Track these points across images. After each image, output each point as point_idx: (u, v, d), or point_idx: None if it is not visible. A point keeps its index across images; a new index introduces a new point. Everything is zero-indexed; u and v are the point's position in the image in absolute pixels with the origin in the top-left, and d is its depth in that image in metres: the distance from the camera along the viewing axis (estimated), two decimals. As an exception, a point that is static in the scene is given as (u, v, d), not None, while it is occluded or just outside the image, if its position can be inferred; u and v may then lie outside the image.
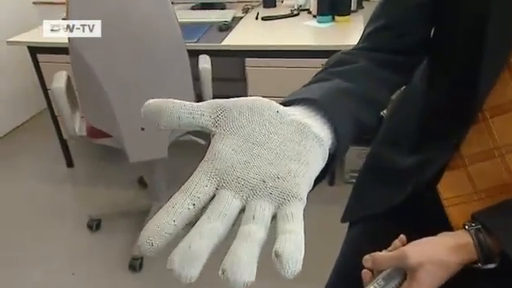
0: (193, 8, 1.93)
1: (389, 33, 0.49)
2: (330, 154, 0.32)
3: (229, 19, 1.72)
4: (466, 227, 0.46)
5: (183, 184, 0.27)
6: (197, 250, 0.23)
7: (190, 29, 1.61)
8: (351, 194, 0.64)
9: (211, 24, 1.69)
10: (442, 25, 0.50)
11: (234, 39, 1.55)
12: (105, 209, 1.70)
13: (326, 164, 0.31)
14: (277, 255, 0.23)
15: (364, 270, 0.49)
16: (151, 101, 0.29)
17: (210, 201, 0.27)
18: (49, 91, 1.78)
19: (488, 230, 0.45)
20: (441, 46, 0.51)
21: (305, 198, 0.28)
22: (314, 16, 1.68)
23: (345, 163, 1.69)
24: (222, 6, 1.90)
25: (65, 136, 1.90)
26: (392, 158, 0.58)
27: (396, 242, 0.49)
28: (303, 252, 0.24)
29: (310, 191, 0.29)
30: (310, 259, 0.27)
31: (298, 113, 0.32)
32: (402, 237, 0.49)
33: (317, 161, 0.29)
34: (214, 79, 1.38)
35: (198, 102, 0.31)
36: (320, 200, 1.41)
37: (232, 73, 1.97)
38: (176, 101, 0.30)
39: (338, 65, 0.45)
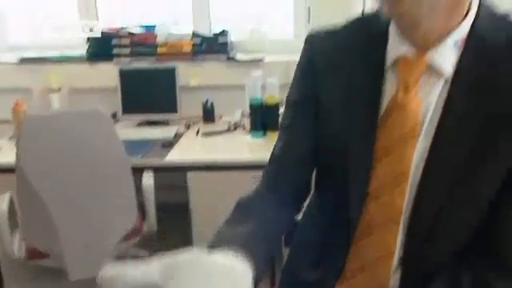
0: (139, 124, 2.23)
1: (280, 175, 0.71)
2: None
3: (171, 135, 2.03)
4: None
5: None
6: None
7: (135, 145, 1.88)
8: None
9: (155, 141, 1.98)
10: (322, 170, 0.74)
11: (177, 155, 1.83)
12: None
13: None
14: None
15: None
16: (105, 272, 0.41)
17: None
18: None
19: None
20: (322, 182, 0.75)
21: None
22: (249, 131, 2.04)
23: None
24: (166, 122, 2.23)
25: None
26: (301, 273, 0.73)
27: None
28: None
29: None
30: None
31: (226, 258, 0.45)
32: None
33: (247, 284, 0.44)
34: (157, 187, 1.60)
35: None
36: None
37: (175, 182, 2.22)
38: (127, 269, 0.41)
39: (245, 210, 0.66)
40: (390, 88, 0.64)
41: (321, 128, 0.69)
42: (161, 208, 1.67)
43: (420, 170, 0.61)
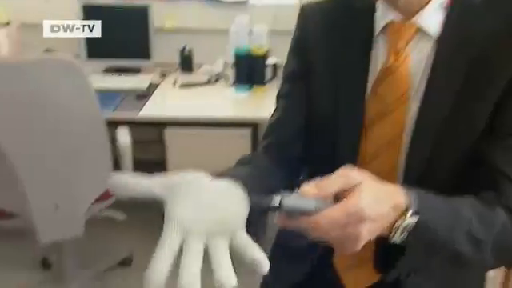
0: (106, 71, 2.18)
1: (276, 147, 0.79)
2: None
3: (145, 86, 2.00)
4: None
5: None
6: (194, 278, 0.43)
7: (104, 96, 1.84)
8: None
9: (127, 91, 1.96)
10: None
11: (153, 109, 1.83)
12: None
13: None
14: (254, 260, 0.46)
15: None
16: (118, 176, 0.50)
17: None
18: None
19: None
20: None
21: (244, 225, 0.49)
22: (233, 84, 2.04)
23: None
24: (137, 70, 2.18)
25: None
26: (295, 234, 0.86)
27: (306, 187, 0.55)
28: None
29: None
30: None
31: (222, 180, 0.54)
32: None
33: (243, 206, 0.51)
34: (132, 142, 1.61)
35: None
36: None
37: (150, 136, 2.22)
38: (138, 176, 0.50)
39: (246, 163, 0.74)
40: (380, 56, 0.72)
41: (312, 103, 0.77)
42: (136, 166, 1.69)
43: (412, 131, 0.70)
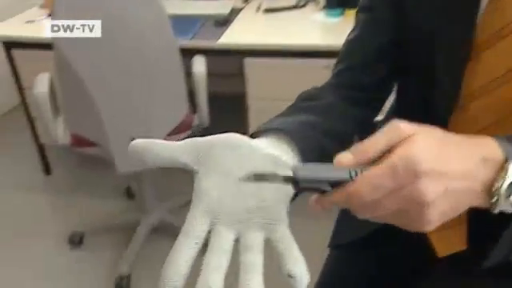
0: (186, -4, 2.06)
1: (352, 73, 0.63)
2: None
3: (227, 12, 1.85)
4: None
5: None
6: (215, 284, 0.35)
7: (182, 23, 1.74)
8: (337, 218, 0.76)
9: (206, 17, 1.83)
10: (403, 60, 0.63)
11: (233, 36, 1.68)
12: (88, 222, 1.84)
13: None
14: (290, 276, 0.35)
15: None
16: (136, 142, 0.41)
17: (208, 233, 0.39)
18: (24, 90, 1.93)
19: None
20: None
21: (285, 217, 0.40)
22: (323, 8, 1.81)
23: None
24: (219, -6, 2.03)
25: (42, 140, 2.04)
26: None
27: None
28: (305, 265, 0.36)
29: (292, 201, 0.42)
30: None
31: (269, 145, 0.44)
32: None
33: (289, 186, 0.40)
34: (209, 74, 1.51)
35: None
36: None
37: (229, 68, 2.11)
38: (158, 142, 0.41)
39: (308, 99, 0.59)
40: None
41: (405, 16, 0.60)
42: (213, 99, 1.59)
43: None
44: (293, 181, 0.37)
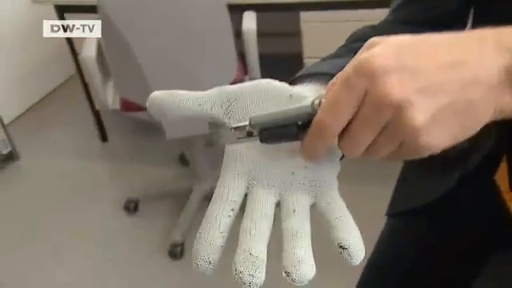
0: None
1: (416, 6, 0.53)
2: None
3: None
4: None
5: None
6: (258, 254, 0.29)
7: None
8: (396, 185, 0.68)
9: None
10: None
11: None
12: (143, 189, 1.85)
13: None
14: (343, 248, 0.30)
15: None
16: (155, 93, 0.35)
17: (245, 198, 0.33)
18: (78, 57, 1.93)
19: None
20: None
21: (335, 181, 0.34)
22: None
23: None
24: None
25: (97, 107, 2.06)
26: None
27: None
28: (360, 236, 0.31)
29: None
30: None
31: (311, 93, 0.36)
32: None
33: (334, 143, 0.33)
34: (260, 34, 1.41)
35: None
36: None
37: (283, 27, 1.98)
38: (180, 92, 0.35)
39: (361, 40, 0.47)
40: None
41: None
42: (265, 62, 1.49)
43: None
44: (259, 132, 0.32)
